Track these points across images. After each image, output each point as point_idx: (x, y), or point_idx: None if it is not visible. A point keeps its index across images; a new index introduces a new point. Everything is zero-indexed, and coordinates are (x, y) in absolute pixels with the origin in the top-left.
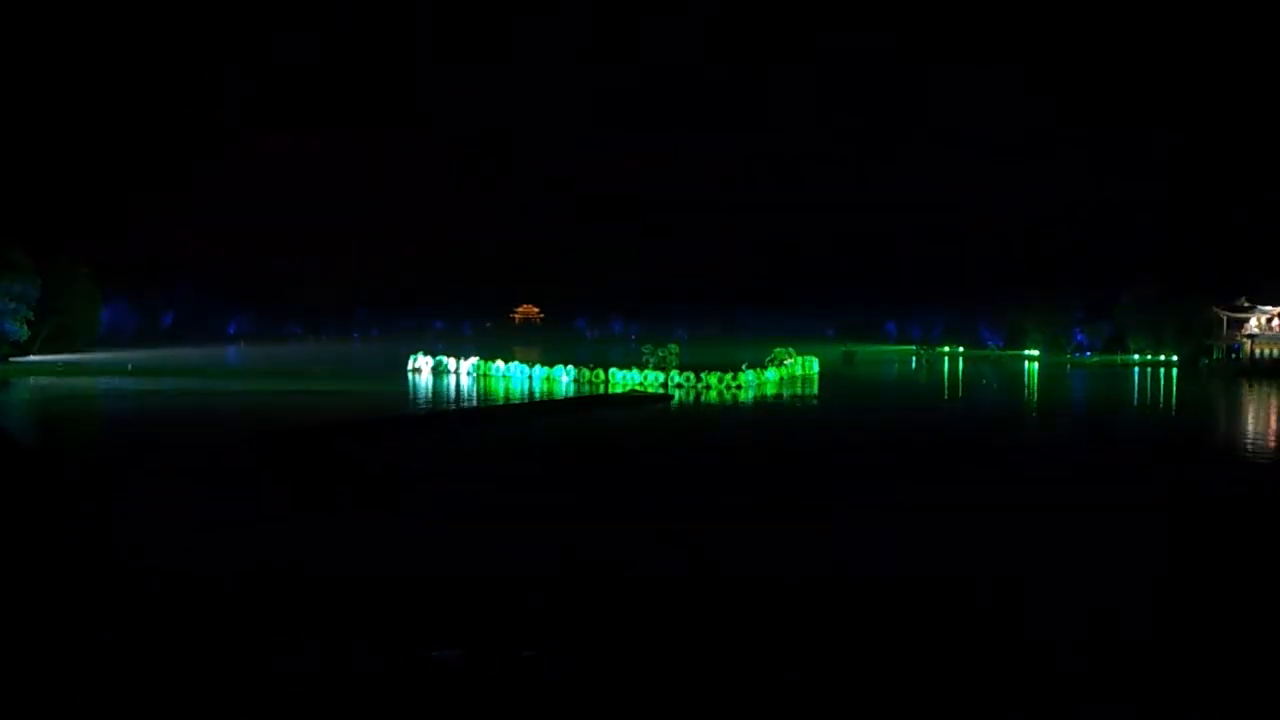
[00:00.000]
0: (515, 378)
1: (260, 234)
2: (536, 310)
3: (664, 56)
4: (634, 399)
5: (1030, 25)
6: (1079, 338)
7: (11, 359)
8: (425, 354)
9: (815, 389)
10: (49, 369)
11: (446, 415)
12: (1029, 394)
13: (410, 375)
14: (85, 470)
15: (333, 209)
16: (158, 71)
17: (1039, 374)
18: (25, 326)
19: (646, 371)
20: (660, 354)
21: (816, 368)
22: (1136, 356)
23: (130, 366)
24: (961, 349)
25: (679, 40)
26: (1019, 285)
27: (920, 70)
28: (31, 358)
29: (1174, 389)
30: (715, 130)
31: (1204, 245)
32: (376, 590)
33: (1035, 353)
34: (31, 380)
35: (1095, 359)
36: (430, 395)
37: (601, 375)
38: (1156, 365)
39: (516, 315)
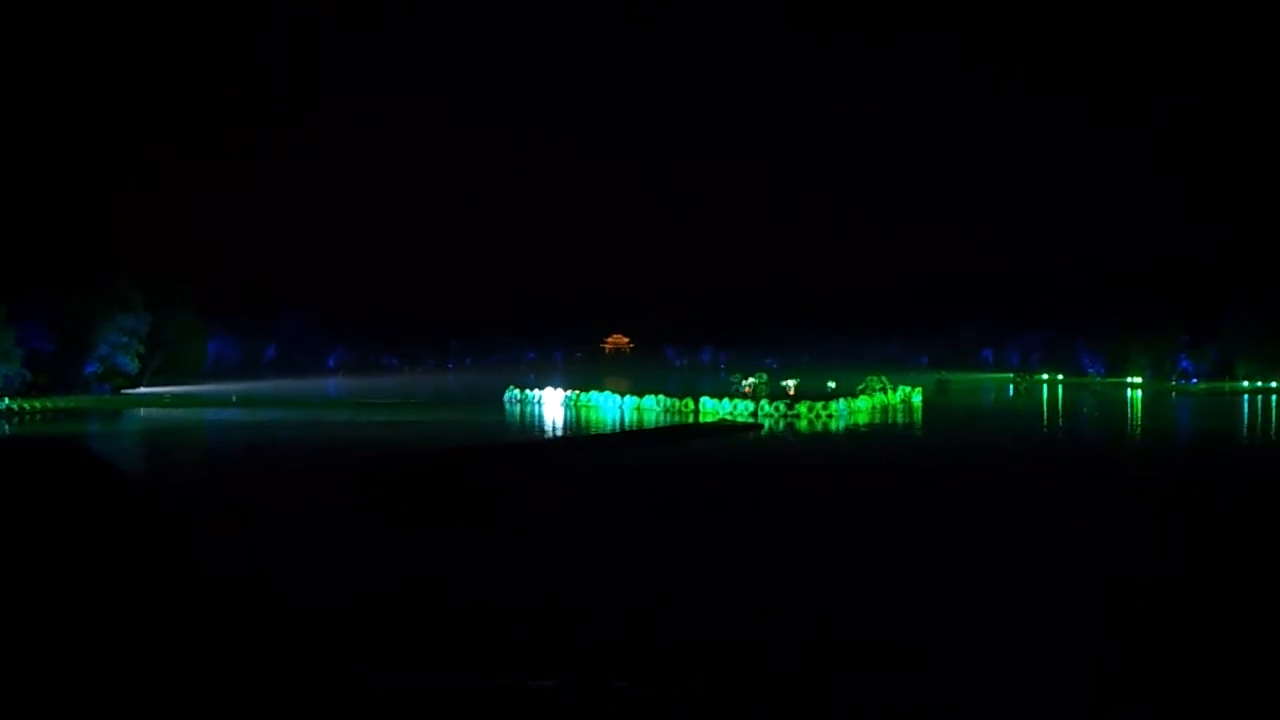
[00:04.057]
0: (605, 407)
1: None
2: (626, 340)
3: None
4: (723, 428)
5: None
6: (1184, 364)
7: (123, 391)
8: (518, 386)
9: (919, 418)
10: (157, 400)
11: (535, 444)
12: (1131, 423)
13: (506, 405)
14: (176, 492)
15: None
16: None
17: (1143, 402)
18: (136, 360)
19: (736, 401)
20: (749, 382)
21: (919, 398)
22: (1246, 384)
23: (235, 398)
24: (1061, 376)
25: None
26: (1111, 303)
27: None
28: (142, 390)
29: None
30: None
31: None
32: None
33: (1139, 380)
34: (141, 411)
35: (1203, 386)
36: (521, 425)
37: (691, 404)
38: (1269, 392)
39: (607, 345)
